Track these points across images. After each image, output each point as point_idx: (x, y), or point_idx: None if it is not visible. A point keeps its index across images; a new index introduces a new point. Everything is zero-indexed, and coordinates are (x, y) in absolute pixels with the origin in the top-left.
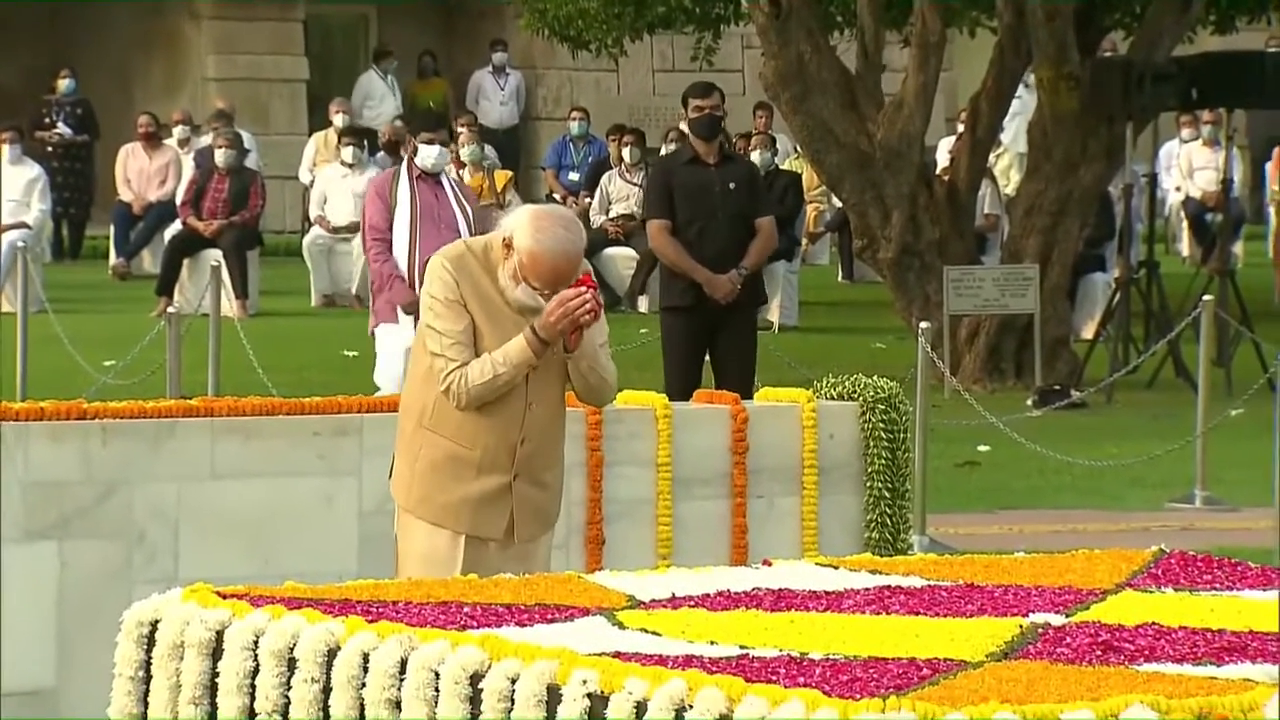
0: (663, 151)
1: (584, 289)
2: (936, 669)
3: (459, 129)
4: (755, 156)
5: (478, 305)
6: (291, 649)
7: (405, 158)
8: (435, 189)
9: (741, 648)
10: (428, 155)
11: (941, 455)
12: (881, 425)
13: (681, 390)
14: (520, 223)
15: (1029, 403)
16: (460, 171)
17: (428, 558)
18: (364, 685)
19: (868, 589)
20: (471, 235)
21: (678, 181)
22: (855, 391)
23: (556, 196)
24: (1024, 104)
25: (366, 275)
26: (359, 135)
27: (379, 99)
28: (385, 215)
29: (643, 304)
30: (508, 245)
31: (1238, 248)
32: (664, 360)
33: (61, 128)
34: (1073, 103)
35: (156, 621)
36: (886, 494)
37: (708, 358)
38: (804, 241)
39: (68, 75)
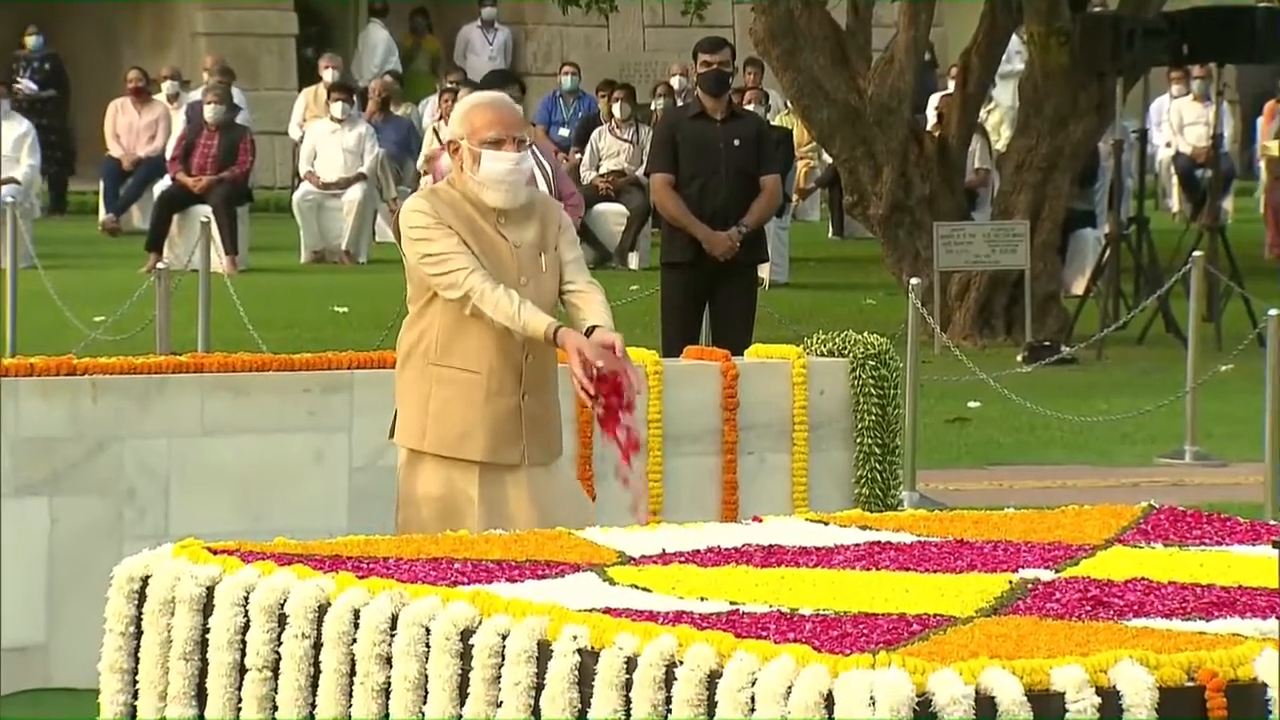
0: (652, 107)
1: (627, 385)
2: (926, 624)
3: (449, 85)
4: None
5: (461, 227)
6: (282, 605)
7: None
8: None
9: (732, 603)
10: None
11: (931, 411)
12: (871, 381)
13: (678, 346)
14: (456, 111)
15: (1019, 358)
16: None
17: (443, 498)
18: (354, 641)
19: (858, 545)
20: (550, 194)
21: (682, 136)
22: (845, 348)
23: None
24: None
25: (356, 231)
26: (348, 91)
27: (387, 52)
28: None
29: (633, 260)
30: (453, 146)
31: (1228, 203)
32: (661, 315)
33: (26, 83)
34: (1063, 58)
35: (147, 577)
36: (876, 450)
37: (706, 315)
38: (794, 198)
39: (35, 31)
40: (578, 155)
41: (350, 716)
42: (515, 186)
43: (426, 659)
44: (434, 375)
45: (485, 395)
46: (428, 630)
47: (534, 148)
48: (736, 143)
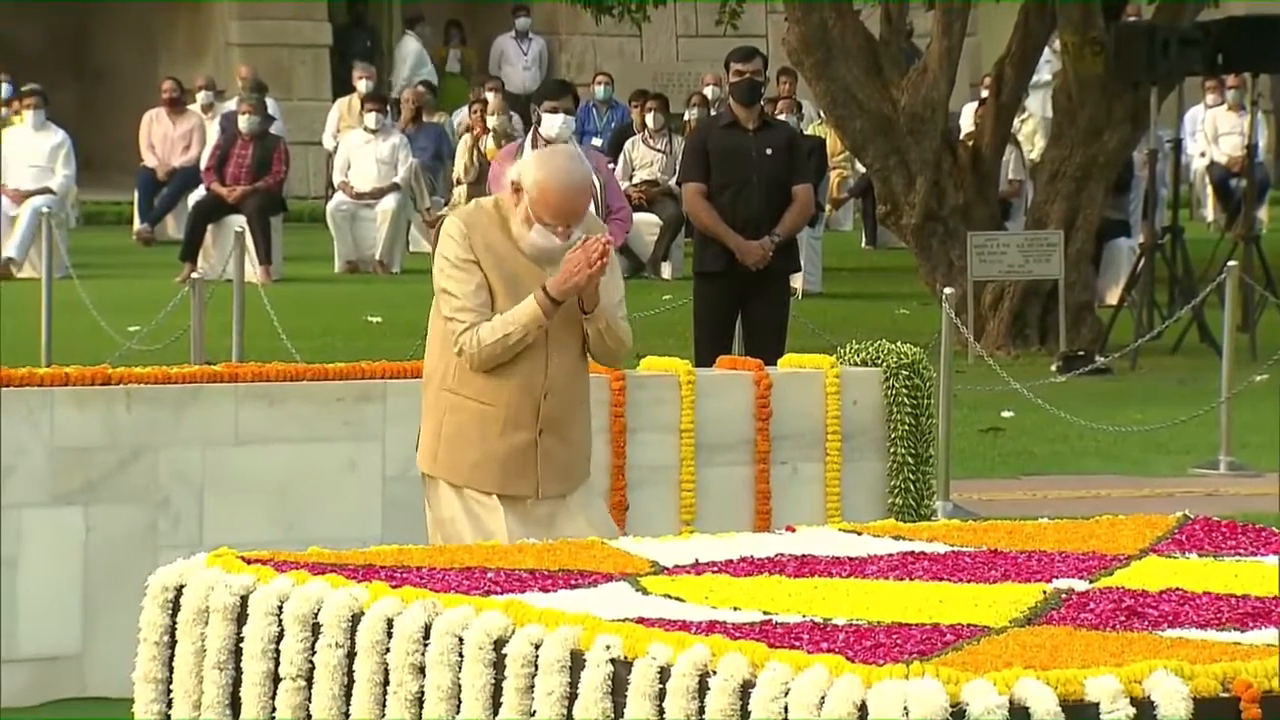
0: (686, 117)
1: (597, 238)
2: (960, 634)
3: (486, 95)
4: None
5: (492, 262)
6: (316, 614)
7: (532, 128)
8: None
9: (765, 613)
10: (552, 124)
11: (965, 421)
12: (905, 391)
13: (711, 356)
14: (526, 162)
15: (1053, 368)
16: (484, 137)
17: (457, 520)
18: (388, 650)
19: (891, 555)
20: (598, 210)
21: (714, 145)
22: (879, 357)
23: None
24: (1049, 70)
25: (390, 241)
26: (382, 101)
27: (414, 64)
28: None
29: (666, 270)
30: (517, 189)
31: (1262, 213)
32: (694, 325)
33: None
34: (1097, 67)
35: (181, 587)
36: (910, 460)
37: (739, 325)
38: (828, 207)
39: None
40: (611, 165)
41: None
42: (554, 264)
43: (460, 668)
44: (449, 403)
45: (500, 429)
46: (461, 640)
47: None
48: (769, 152)
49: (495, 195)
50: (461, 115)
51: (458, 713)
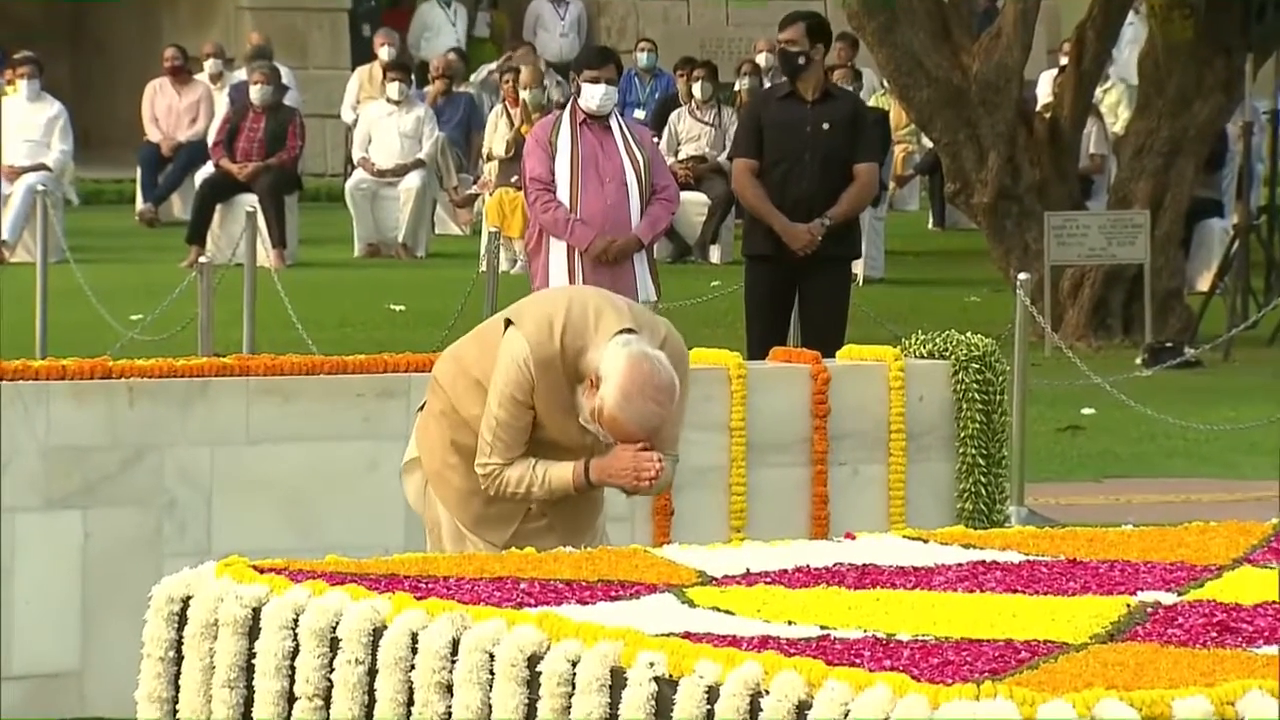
0: (736, 88)
1: (654, 455)
2: (1035, 651)
3: (516, 62)
4: None
5: (547, 408)
6: (334, 628)
7: (570, 100)
8: (601, 135)
9: (822, 628)
10: (592, 95)
11: (1041, 419)
12: (975, 386)
13: (763, 347)
14: (613, 375)
15: (1138, 361)
16: (512, 110)
17: (445, 539)
18: (412, 668)
19: (960, 565)
20: (642, 189)
21: (768, 118)
22: (947, 349)
23: None
24: (1135, 33)
25: (413, 222)
26: (406, 70)
27: (436, 30)
28: (547, 164)
29: (714, 254)
30: (594, 384)
31: None
32: (745, 313)
33: None
34: (1187, 32)
35: (188, 598)
36: (981, 461)
37: (795, 314)
38: (891, 185)
39: None
40: (655, 139)
41: None
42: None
43: (490, 687)
44: (451, 445)
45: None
46: (491, 656)
47: (630, 132)
48: (826, 126)
49: (579, 347)
50: (482, 75)
51: None
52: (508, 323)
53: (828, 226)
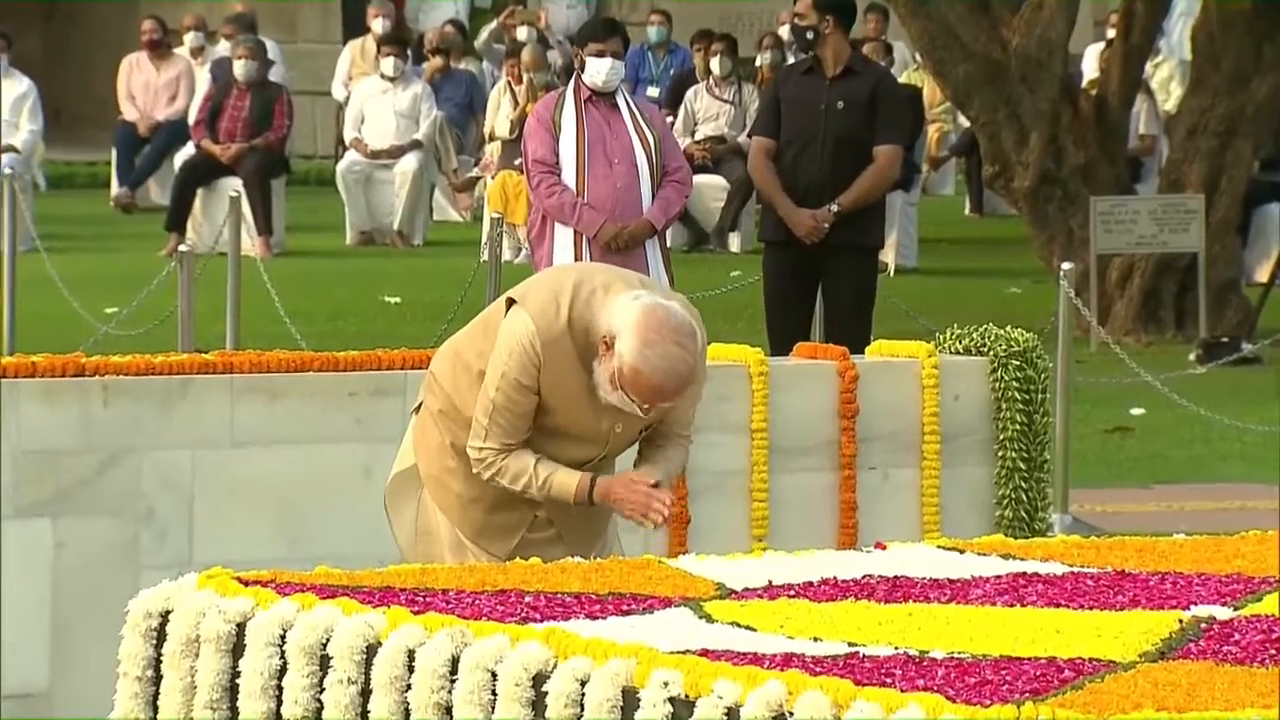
0: (757, 63)
1: (668, 497)
2: (1080, 670)
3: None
4: None
5: (556, 392)
6: (324, 645)
7: (573, 75)
8: (608, 113)
9: (850, 645)
10: (597, 70)
11: (1087, 420)
12: (1016, 384)
13: (782, 339)
14: (627, 327)
15: (1191, 357)
16: (516, 87)
17: (444, 548)
18: (409, 688)
19: (999, 577)
20: (653, 171)
21: (786, 94)
22: (985, 344)
23: None
24: (1188, 4)
25: (410, 208)
26: (402, 44)
27: (435, 1)
28: (551, 145)
29: (734, 242)
30: (608, 345)
31: None
32: (764, 304)
33: None
34: (1244, 2)
35: (167, 612)
36: (1021, 465)
37: (819, 306)
38: (925, 168)
39: None
40: (670, 118)
41: None
42: (627, 417)
43: (493, 708)
44: (450, 448)
45: (494, 505)
46: (494, 675)
47: (638, 110)
48: (841, 105)
49: (589, 319)
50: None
51: None
52: (510, 302)
53: (836, 214)
